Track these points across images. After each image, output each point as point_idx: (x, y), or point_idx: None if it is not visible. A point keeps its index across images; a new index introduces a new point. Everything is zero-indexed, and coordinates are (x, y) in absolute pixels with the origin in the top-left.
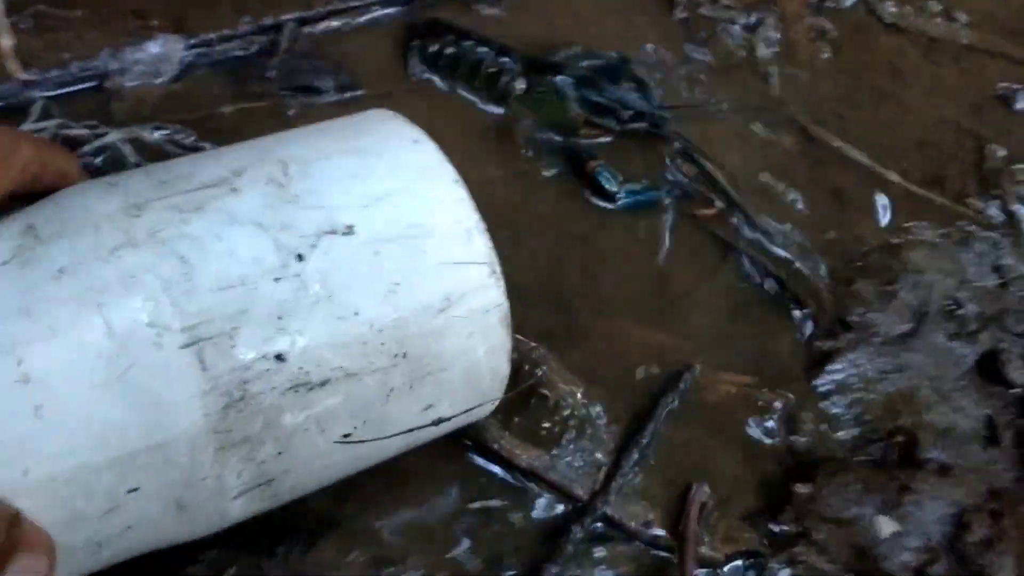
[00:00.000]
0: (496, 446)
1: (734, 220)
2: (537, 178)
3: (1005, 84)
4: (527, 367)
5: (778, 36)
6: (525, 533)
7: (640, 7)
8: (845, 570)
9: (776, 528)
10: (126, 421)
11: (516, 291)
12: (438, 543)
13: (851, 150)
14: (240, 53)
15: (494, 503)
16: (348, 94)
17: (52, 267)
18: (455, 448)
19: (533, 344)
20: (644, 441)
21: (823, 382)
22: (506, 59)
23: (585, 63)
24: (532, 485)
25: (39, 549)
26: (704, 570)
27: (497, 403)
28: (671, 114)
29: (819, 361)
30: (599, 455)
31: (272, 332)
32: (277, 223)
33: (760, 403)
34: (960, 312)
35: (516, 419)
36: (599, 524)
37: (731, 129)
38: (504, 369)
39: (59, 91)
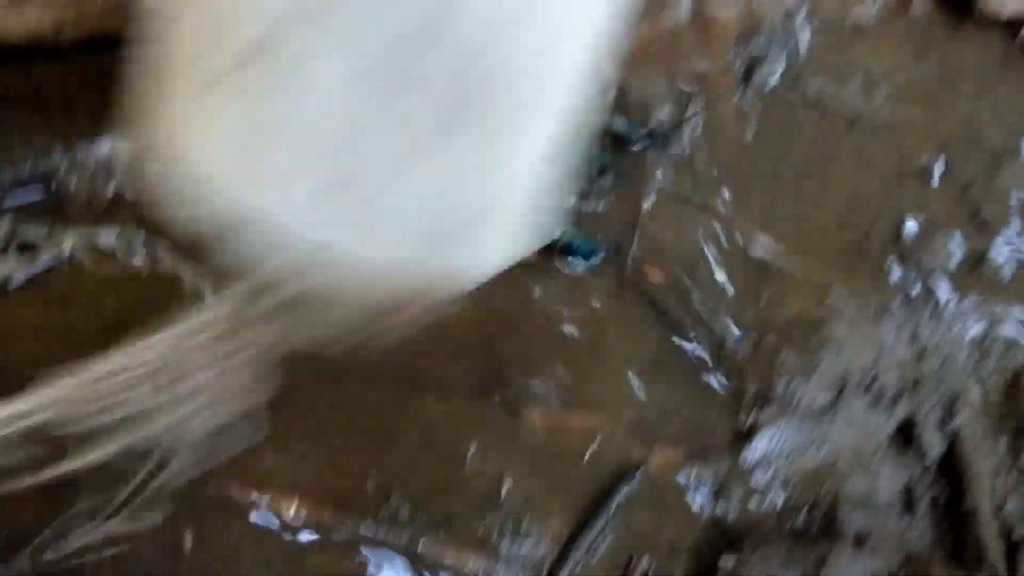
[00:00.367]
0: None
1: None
2: None
3: (923, 156)
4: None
5: (704, 116)
6: None
7: None
8: None
9: None
10: None
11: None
12: None
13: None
14: None
15: None
16: None
17: None
18: None
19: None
20: (594, 534)
21: (749, 454)
22: None
23: None
24: None
25: None
26: None
27: None
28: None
29: (745, 433)
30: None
31: None
32: None
33: (692, 475)
34: (878, 383)
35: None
36: None
37: (664, 206)
38: None
39: (11, 193)
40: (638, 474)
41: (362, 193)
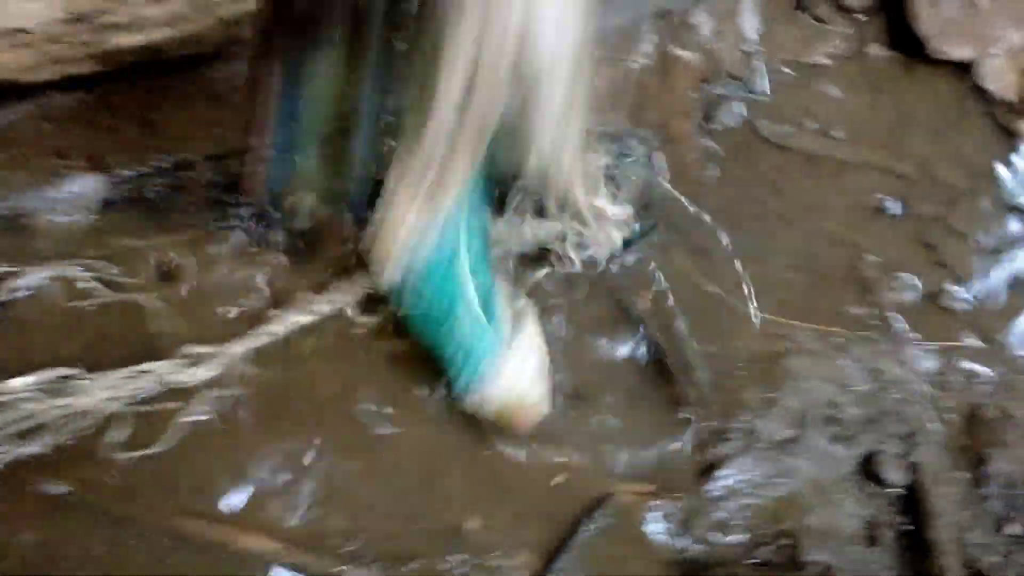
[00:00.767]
0: None
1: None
2: None
3: (880, 195)
4: None
5: (666, 158)
6: None
7: None
8: None
9: None
10: None
11: None
12: None
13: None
14: (157, 189)
15: None
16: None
17: None
18: None
19: None
20: (560, 569)
21: (713, 488)
22: None
23: None
24: None
25: None
26: None
27: None
28: None
29: (710, 467)
30: None
31: None
32: None
33: (658, 510)
34: (840, 416)
35: None
36: None
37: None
38: None
39: None
40: (605, 509)
41: None
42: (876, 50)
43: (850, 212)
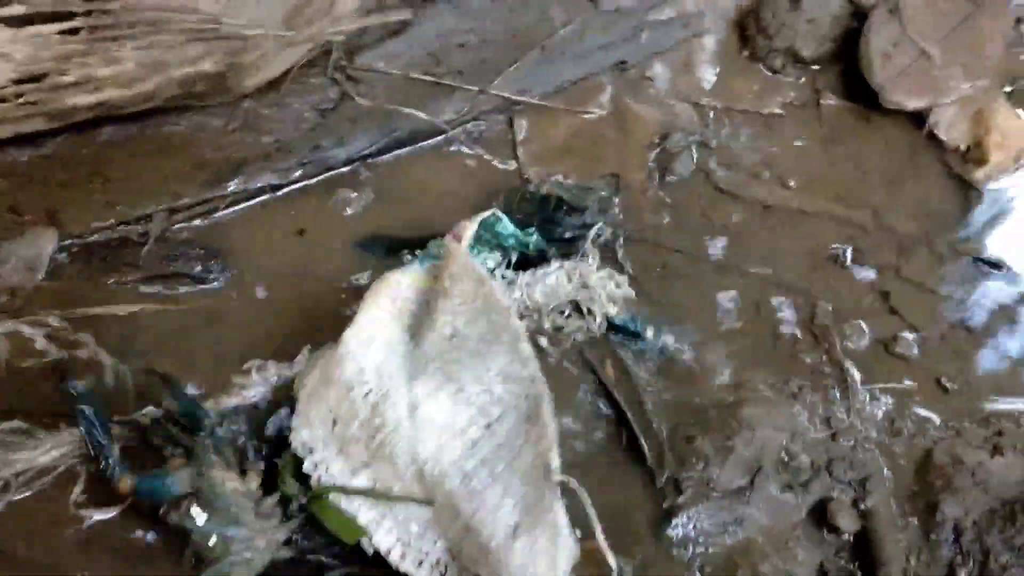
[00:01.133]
0: None
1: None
2: None
3: (835, 245)
4: None
5: (620, 209)
6: None
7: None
8: None
9: None
10: None
11: None
12: None
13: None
14: (112, 244)
15: None
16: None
17: None
18: None
19: None
20: None
21: (668, 537)
22: None
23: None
24: None
25: None
26: None
27: None
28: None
29: (664, 516)
30: None
31: None
32: None
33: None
34: (793, 464)
35: None
36: None
37: None
38: None
39: None
40: None
41: None
42: (830, 100)
43: (805, 259)
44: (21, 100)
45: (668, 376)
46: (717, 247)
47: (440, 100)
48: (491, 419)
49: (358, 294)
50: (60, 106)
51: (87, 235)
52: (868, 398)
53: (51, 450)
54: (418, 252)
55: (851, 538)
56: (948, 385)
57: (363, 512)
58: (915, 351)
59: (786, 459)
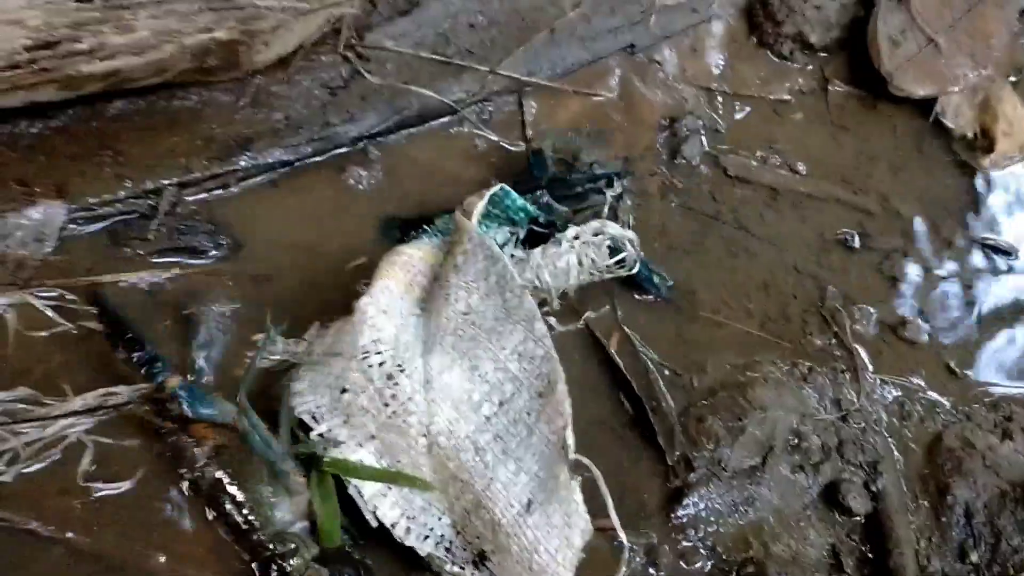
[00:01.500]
0: None
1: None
2: None
3: (843, 229)
4: None
5: (632, 192)
6: None
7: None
8: None
9: None
10: None
11: None
12: None
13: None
14: (121, 217)
15: None
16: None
17: None
18: None
19: None
20: None
21: (678, 516)
22: None
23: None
24: None
25: None
26: None
27: None
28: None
29: (674, 496)
30: None
31: None
32: None
33: (624, 539)
34: (803, 445)
35: None
36: None
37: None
38: None
39: None
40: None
41: None
42: (838, 87)
43: (814, 245)
44: (34, 67)
45: (674, 356)
46: (725, 229)
47: (449, 80)
48: (504, 397)
49: (366, 272)
50: (73, 74)
51: (96, 208)
52: (877, 381)
53: (60, 419)
54: (426, 227)
55: (862, 520)
56: (956, 369)
57: (368, 485)
58: (924, 336)
59: (797, 441)
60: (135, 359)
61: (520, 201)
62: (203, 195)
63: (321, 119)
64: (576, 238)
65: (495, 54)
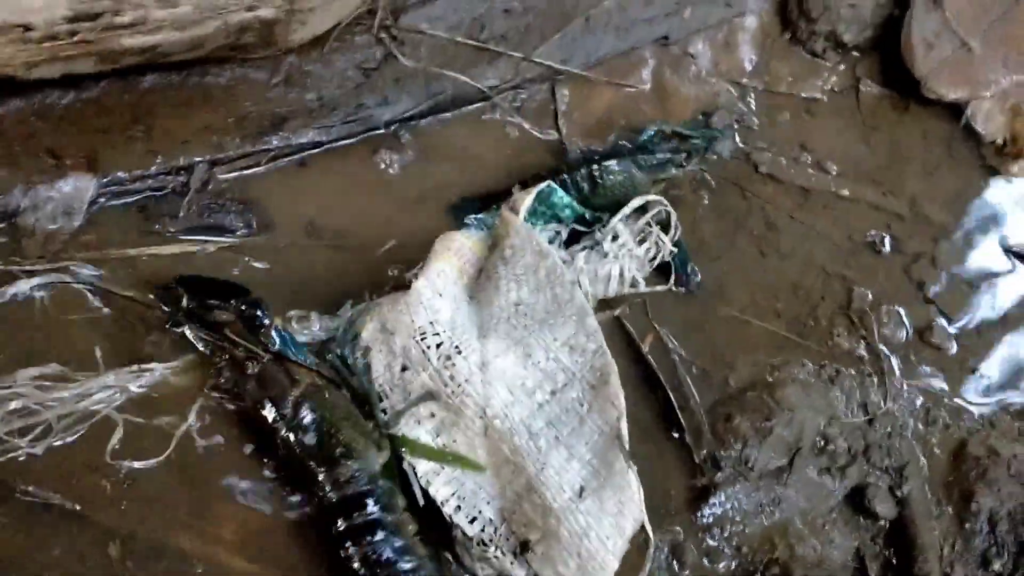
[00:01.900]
0: None
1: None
2: None
3: (873, 231)
4: None
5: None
6: None
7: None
8: None
9: None
10: None
11: None
12: None
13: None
14: (151, 192)
15: None
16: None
17: None
18: None
19: None
20: None
21: (704, 515)
22: None
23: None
24: None
25: None
26: None
27: None
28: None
29: (701, 495)
30: None
31: None
32: None
33: (649, 538)
34: (830, 448)
35: None
36: None
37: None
38: None
39: None
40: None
41: None
42: (870, 87)
43: (843, 246)
44: (71, 39)
45: (703, 355)
46: (756, 227)
47: (483, 65)
48: (556, 386)
49: (396, 254)
50: (112, 47)
51: (127, 182)
52: (904, 386)
53: (92, 394)
54: (472, 218)
55: (887, 524)
56: (983, 375)
57: (422, 462)
58: (950, 340)
59: (824, 443)
60: (243, 304)
61: (567, 199)
62: (234, 173)
63: (355, 100)
64: (618, 242)
65: (530, 41)
